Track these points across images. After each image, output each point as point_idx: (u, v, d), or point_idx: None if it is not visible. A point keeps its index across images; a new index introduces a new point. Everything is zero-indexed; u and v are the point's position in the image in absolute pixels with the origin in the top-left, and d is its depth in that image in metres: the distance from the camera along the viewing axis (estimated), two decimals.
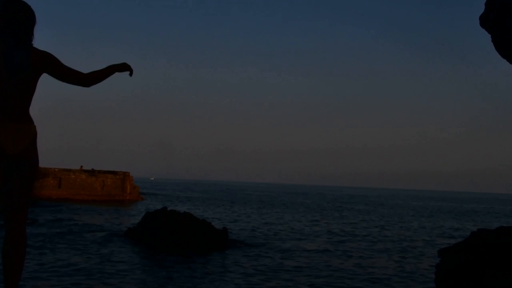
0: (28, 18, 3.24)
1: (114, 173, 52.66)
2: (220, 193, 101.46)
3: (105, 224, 29.03)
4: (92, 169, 52.22)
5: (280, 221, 37.76)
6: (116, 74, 3.54)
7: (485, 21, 8.59)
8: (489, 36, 9.17)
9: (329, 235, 28.92)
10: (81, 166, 52.41)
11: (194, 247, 20.51)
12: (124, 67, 3.53)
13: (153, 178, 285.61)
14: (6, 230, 3.27)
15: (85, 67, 3.68)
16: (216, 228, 23.08)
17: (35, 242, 20.31)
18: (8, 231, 3.26)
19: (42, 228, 25.34)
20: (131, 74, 3.57)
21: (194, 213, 26.03)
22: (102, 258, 17.79)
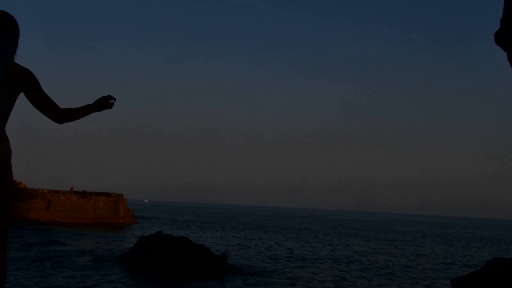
0: (10, 30, 3.16)
1: (106, 195, 52.31)
2: (217, 217, 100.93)
3: (96, 248, 28.66)
4: (84, 190, 51.90)
5: (282, 246, 37.41)
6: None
7: (501, 38, 8.48)
8: (504, 53, 9.07)
9: (338, 262, 28.59)
10: (72, 188, 52.20)
11: (191, 274, 20.21)
12: (102, 105, 3.41)
13: (146, 200, 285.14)
14: None
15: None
16: (214, 254, 22.82)
17: (21, 266, 20.00)
18: None
19: (29, 252, 25.01)
20: (110, 106, 3.45)
21: (191, 238, 25.75)
22: (93, 285, 17.50)
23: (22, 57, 3.33)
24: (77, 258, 23.94)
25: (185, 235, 31.95)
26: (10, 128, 3.29)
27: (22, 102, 3.37)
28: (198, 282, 19.09)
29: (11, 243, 26.74)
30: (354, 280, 22.05)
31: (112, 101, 3.47)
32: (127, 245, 29.25)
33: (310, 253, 33.40)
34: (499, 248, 49.17)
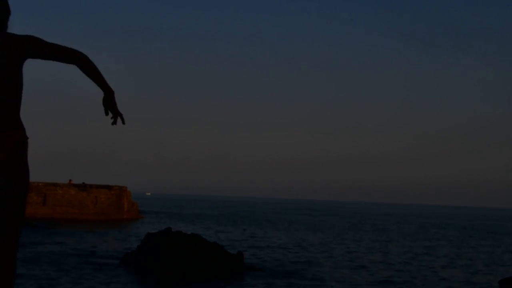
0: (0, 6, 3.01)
1: (108, 187, 52.24)
2: (226, 210, 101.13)
3: (98, 248, 28.57)
4: (83, 183, 51.85)
5: (303, 243, 37.15)
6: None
7: None
8: None
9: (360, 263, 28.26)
10: (70, 180, 52.12)
11: (204, 275, 20.01)
12: (108, 93, 3.26)
13: (149, 194, 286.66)
14: None
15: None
16: (229, 253, 22.58)
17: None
18: None
19: (21, 253, 24.94)
20: (113, 120, 3.31)
21: (202, 234, 25.52)
22: None
23: None
24: (77, 259, 23.83)
25: (195, 231, 31.88)
26: None
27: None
28: (212, 285, 18.86)
29: None
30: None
31: (114, 119, 3.32)
32: (132, 244, 29.12)
33: (334, 250, 33.08)
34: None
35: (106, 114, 3.27)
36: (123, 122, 3.35)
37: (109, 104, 3.27)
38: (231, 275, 20.64)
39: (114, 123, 3.31)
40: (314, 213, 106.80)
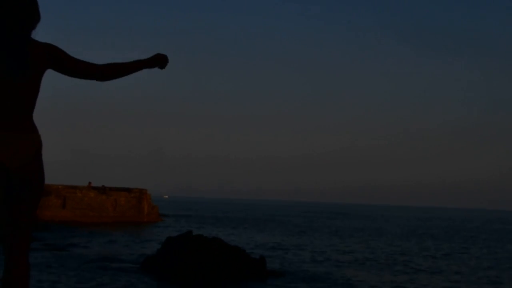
0: (27, 10, 3.09)
1: (128, 190, 52.07)
2: (247, 213, 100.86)
3: (118, 252, 28.36)
4: (103, 186, 51.73)
5: (329, 247, 36.68)
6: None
7: None
8: None
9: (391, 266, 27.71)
10: (90, 183, 52.01)
11: (226, 280, 19.63)
12: (154, 62, 3.36)
13: (167, 197, 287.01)
14: (6, 258, 3.10)
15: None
16: (251, 257, 22.20)
17: (32, 274, 19.63)
18: (9, 260, 3.11)
19: (40, 257, 24.76)
20: (163, 67, 3.46)
21: (223, 238, 25.15)
22: None
23: None
24: (97, 263, 23.58)
25: (216, 235, 31.54)
26: None
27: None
28: (235, 287, 18.53)
29: None
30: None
31: (167, 62, 3.42)
32: (152, 247, 28.82)
33: (359, 253, 32.53)
34: None
35: (163, 68, 3.44)
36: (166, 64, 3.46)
37: (161, 62, 3.38)
38: (253, 279, 20.26)
39: (163, 67, 3.45)
40: (332, 215, 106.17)
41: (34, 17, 3.14)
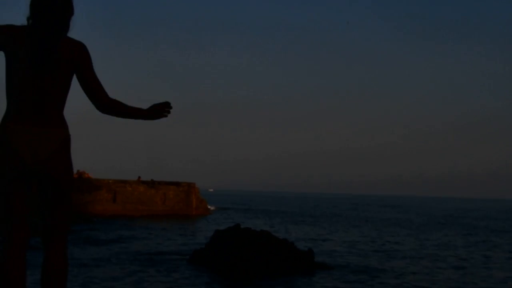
0: (63, 6, 3.10)
1: (176, 184, 52.45)
2: (290, 206, 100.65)
3: (166, 245, 28.54)
4: (152, 180, 52.22)
5: (378, 239, 36.17)
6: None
7: None
8: None
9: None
10: (139, 177, 52.60)
11: (274, 272, 19.48)
12: (157, 114, 3.35)
13: (212, 190, 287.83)
14: (44, 252, 3.23)
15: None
16: (299, 249, 21.99)
17: (81, 266, 19.88)
18: (47, 254, 3.23)
19: (92, 249, 25.09)
20: (166, 115, 3.41)
21: (271, 231, 25.00)
22: (164, 287, 17.07)
23: None
24: (145, 257, 23.76)
25: (263, 227, 31.45)
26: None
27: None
28: (282, 282, 18.37)
29: (77, 239, 27.01)
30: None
31: (169, 109, 3.41)
32: (201, 241, 28.92)
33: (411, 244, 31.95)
34: None
35: (166, 116, 3.40)
36: (169, 110, 3.40)
37: (161, 114, 3.37)
38: (302, 272, 20.07)
39: (167, 115, 3.40)
40: (382, 208, 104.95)
41: (68, 12, 3.14)
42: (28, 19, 3.10)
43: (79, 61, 3.15)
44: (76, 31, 3.14)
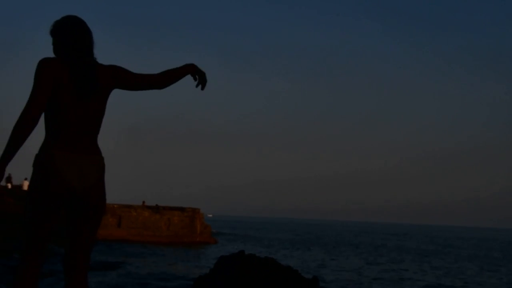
0: (90, 37, 3.28)
1: (181, 209, 52.30)
2: (296, 232, 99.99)
3: (170, 270, 28.41)
4: (156, 205, 52.13)
5: (388, 267, 35.90)
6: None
7: None
8: None
9: None
10: (143, 202, 52.54)
11: None
12: (189, 70, 3.48)
13: (211, 215, 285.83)
14: (66, 277, 3.23)
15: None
16: (304, 277, 21.81)
17: None
18: (69, 280, 3.23)
19: (96, 276, 24.97)
20: (202, 86, 3.53)
21: (275, 257, 24.85)
22: None
23: None
24: (150, 281, 23.63)
25: (267, 254, 31.22)
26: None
27: None
28: None
29: None
30: None
31: (203, 86, 3.54)
32: (205, 266, 28.75)
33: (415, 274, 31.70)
34: None
35: (202, 86, 3.53)
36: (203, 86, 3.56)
37: (200, 76, 3.48)
38: None
39: (203, 88, 3.54)
40: (388, 236, 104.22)
41: (92, 42, 3.30)
42: (55, 51, 3.24)
43: (118, 78, 3.30)
44: None
